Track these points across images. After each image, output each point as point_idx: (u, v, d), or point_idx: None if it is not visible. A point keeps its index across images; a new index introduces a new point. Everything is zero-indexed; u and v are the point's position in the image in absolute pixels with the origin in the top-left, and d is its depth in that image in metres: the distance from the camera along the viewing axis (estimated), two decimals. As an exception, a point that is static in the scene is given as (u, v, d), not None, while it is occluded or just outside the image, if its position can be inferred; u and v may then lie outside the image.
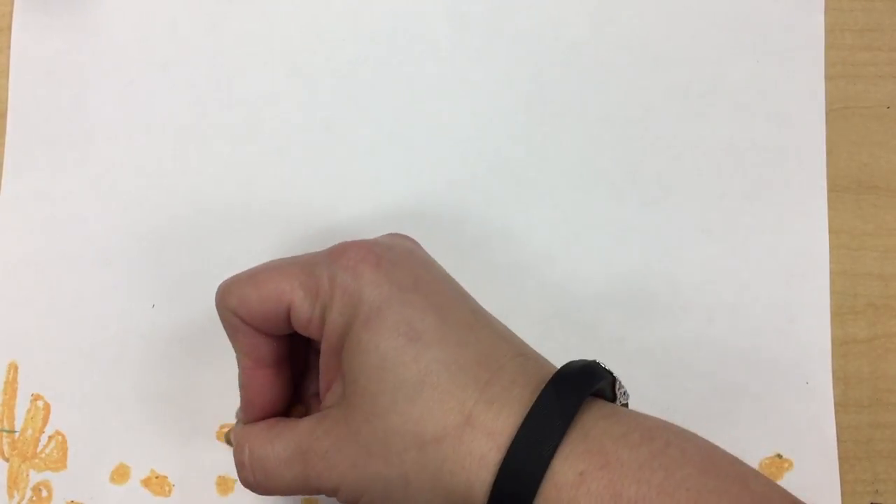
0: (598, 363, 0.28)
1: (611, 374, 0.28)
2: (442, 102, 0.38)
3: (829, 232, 0.37)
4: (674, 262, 0.37)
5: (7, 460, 0.36)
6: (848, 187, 0.37)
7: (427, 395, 0.26)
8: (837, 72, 0.38)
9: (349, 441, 0.27)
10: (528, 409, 0.25)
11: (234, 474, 0.36)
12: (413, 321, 0.27)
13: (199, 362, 0.37)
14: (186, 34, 0.38)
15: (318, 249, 0.37)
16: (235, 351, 0.31)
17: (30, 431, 0.37)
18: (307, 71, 0.38)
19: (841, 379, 0.36)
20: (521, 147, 0.38)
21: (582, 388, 0.26)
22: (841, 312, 0.36)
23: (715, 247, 0.37)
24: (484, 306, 0.37)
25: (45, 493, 0.36)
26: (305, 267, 0.29)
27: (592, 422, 0.26)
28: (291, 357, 0.31)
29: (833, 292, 0.37)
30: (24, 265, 0.37)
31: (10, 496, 0.36)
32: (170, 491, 0.36)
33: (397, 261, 0.29)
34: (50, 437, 0.37)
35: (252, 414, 0.31)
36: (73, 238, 0.37)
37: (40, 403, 0.37)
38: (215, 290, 0.37)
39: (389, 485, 0.26)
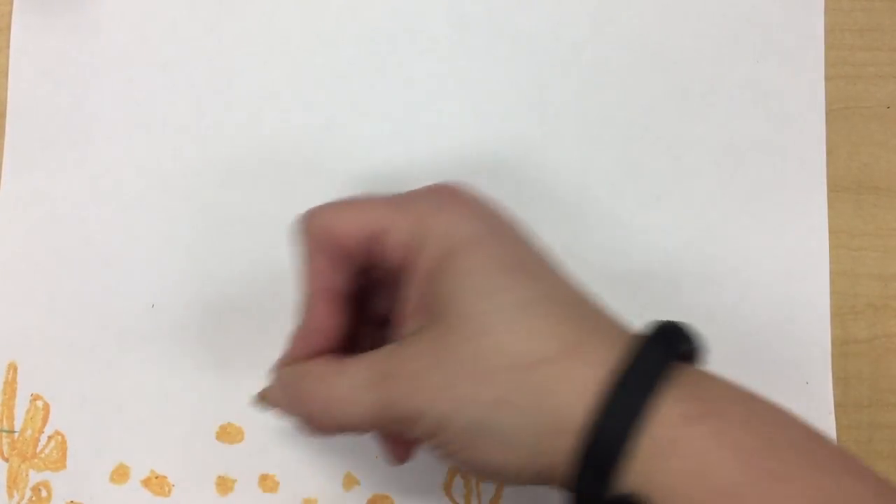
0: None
1: (699, 339, 0.28)
2: (442, 102, 0.38)
3: (829, 232, 0.37)
4: (674, 262, 0.37)
5: (7, 460, 0.36)
6: (848, 187, 0.37)
7: (529, 320, 0.26)
8: (837, 72, 0.38)
9: (441, 363, 0.26)
10: (629, 347, 0.26)
11: (233, 474, 0.36)
12: (514, 253, 0.28)
13: (199, 362, 0.37)
14: (186, 34, 0.38)
15: (318, 249, 0.37)
16: (306, 275, 0.30)
17: (29, 431, 0.37)
18: (307, 71, 0.38)
19: (841, 379, 0.36)
20: (521, 147, 0.38)
21: (682, 337, 0.27)
22: (841, 312, 0.36)
23: (715, 247, 0.37)
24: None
25: (44, 493, 0.36)
26: (402, 200, 0.29)
27: (691, 373, 0.26)
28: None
29: (833, 292, 0.37)
30: (24, 265, 0.37)
31: (10, 496, 0.36)
32: (170, 491, 0.36)
33: (488, 203, 0.29)
34: (49, 437, 0.37)
35: (311, 343, 0.30)
36: (73, 238, 0.37)
37: (40, 403, 0.37)
38: (215, 290, 0.37)
39: (479, 408, 0.26)
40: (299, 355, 0.30)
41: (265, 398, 0.32)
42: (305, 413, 0.29)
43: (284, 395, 0.30)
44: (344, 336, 0.30)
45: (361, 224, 0.29)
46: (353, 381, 0.27)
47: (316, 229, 0.29)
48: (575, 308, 0.27)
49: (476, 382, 0.26)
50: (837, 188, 0.37)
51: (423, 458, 0.36)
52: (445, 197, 0.29)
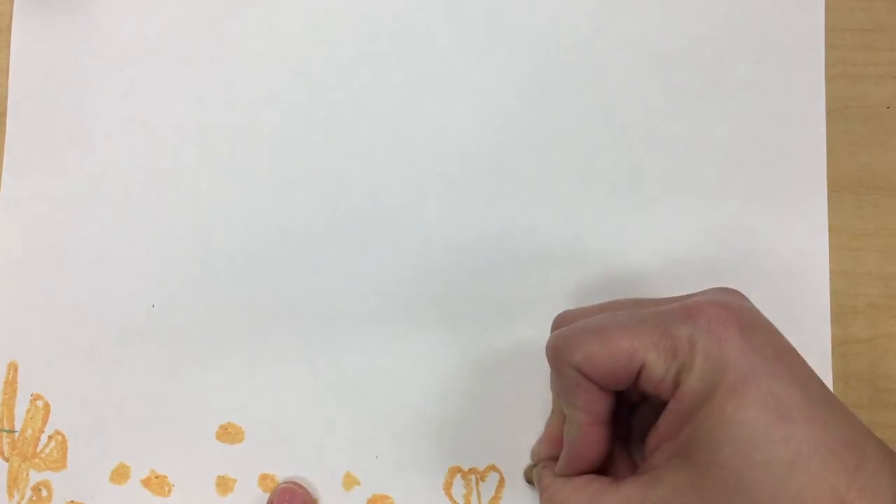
0: None
1: None
2: (442, 102, 0.38)
3: (829, 232, 0.37)
4: (674, 262, 0.37)
5: (7, 460, 0.37)
6: (848, 187, 0.37)
7: (798, 478, 0.25)
8: (838, 72, 0.38)
9: None
10: None
11: (233, 474, 0.36)
12: (781, 396, 0.26)
13: (199, 362, 0.37)
14: (187, 34, 0.38)
15: (318, 249, 0.37)
16: (568, 405, 0.30)
17: (30, 431, 0.37)
18: (307, 71, 0.38)
19: (841, 379, 0.36)
20: (522, 147, 0.38)
21: None
22: (841, 312, 0.36)
23: (715, 247, 0.37)
24: (484, 306, 0.37)
25: (45, 493, 0.36)
26: (658, 325, 0.28)
27: None
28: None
29: (833, 292, 0.37)
30: (24, 265, 0.37)
31: (10, 496, 0.36)
32: (170, 491, 0.36)
33: (755, 325, 0.28)
34: (50, 437, 0.37)
35: (575, 469, 0.31)
36: (74, 238, 0.37)
37: (40, 403, 0.37)
38: (215, 290, 0.37)
39: None
40: (566, 472, 0.31)
41: (530, 480, 0.35)
42: None
43: (541, 496, 0.32)
44: (603, 458, 0.31)
45: (613, 359, 0.28)
46: None
47: (566, 368, 0.29)
48: (845, 452, 0.26)
49: None
50: (837, 188, 0.37)
51: (423, 458, 0.36)
52: (710, 325, 0.27)
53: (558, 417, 0.34)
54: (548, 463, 0.33)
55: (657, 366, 0.28)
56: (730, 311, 0.28)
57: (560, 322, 0.33)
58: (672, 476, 0.27)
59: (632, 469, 0.32)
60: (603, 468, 0.31)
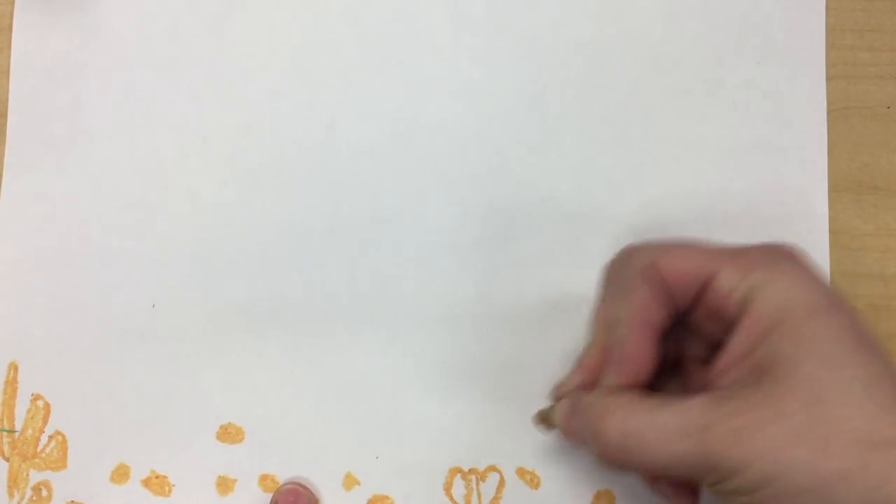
0: None
1: None
2: (442, 102, 0.38)
3: (830, 232, 0.37)
4: (674, 263, 0.37)
5: (7, 460, 0.37)
6: (848, 188, 0.37)
7: (881, 399, 0.26)
8: (838, 72, 0.38)
9: (776, 422, 0.26)
10: None
11: (234, 474, 0.36)
12: (859, 328, 0.27)
13: (199, 362, 0.37)
14: (187, 34, 0.38)
15: (318, 249, 0.37)
16: (620, 308, 0.30)
17: (30, 431, 0.37)
18: (308, 71, 0.38)
19: (841, 379, 0.36)
20: (522, 147, 0.38)
21: None
22: (841, 313, 0.36)
23: (715, 247, 0.37)
24: (484, 306, 0.37)
25: (45, 493, 0.36)
26: (734, 248, 0.29)
27: None
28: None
29: (833, 293, 0.37)
30: (24, 265, 0.37)
31: (11, 496, 0.36)
32: (170, 491, 0.36)
33: (820, 272, 0.29)
34: (50, 437, 0.37)
35: (621, 376, 0.30)
36: (73, 238, 0.38)
37: (40, 403, 0.37)
38: (215, 290, 0.37)
39: (816, 476, 0.25)
40: (590, 381, 0.31)
41: (547, 419, 0.33)
42: (601, 445, 0.29)
43: (579, 421, 0.30)
44: (650, 373, 0.31)
45: (693, 266, 0.29)
46: (669, 425, 0.27)
47: (645, 264, 0.29)
48: None
49: (816, 450, 0.25)
50: (838, 188, 0.37)
51: (423, 459, 0.36)
52: (782, 256, 0.28)
53: (595, 344, 0.32)
54: (578, 391, 0.32)
55: (730, 278, 0.28)
56: (802, 255, 0.29)
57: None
58: (744, 392, 0.27)
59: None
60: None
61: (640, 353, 0.30)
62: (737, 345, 0.28)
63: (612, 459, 0.29)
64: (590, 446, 0.30)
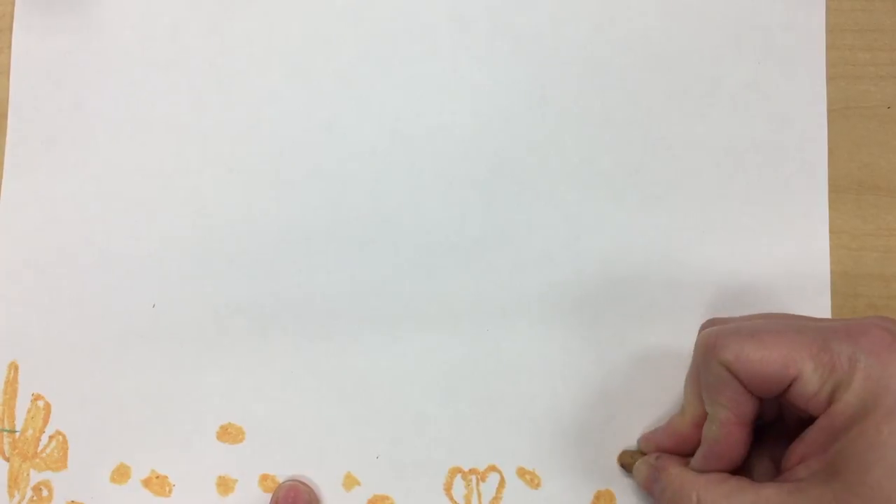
0: None
1: None
2: (442, 102, 0.38)
3: (830, 232, 0.37)
4: (674, 263, 0.37)
5: (7, 460, 0.37)
6: (848, 187, 0.37)
7: None
8: (838, 72, 0.38)
9: None
10: None
11: (234, 474, 0.36)
12: None
13: (199, 362, 0.37)
14: (187, 34, 0.38)
15: (318, 249, 0.37)
16: (713, 403, 0.31)
17: (30, 431, 0.37)
18: (307, 71, 0.38)
19: (841, 379, 0.36)
20: (522, 147, 0.38)
21: None
22: (841, 313, 0.36)
23: (715, 247, 0.37)
24: (484, 306, 0.37)
25: (45, 493, 0.36)
26: (817, 338, 0.28)
27: None
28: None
29: (833, 293, 0.37)
30: (24, 265, 0.37)
31: (11, 496, 0.36)
32: (170, 491, 0.36)
33: None
34: (50, 437, 0.37)
35: (712, 466, 0.31)
36: (73, 238, 0.38)
37: (41, 403, 0.37)
38: (215, 290, 0.37)
39: None
40: (703, 469, 0.31)
41: (629, 466, 0.35)
42: None
43: (660, 489, 0.32)
44: (741, 461, 0.31)
45: (766, 364, 0.28)
46: None
47: (716, 365, 0.30)
48: None
49: None
50: (838, 188, 0.37)
51: (423, 459, 0.36)
52: (874, 346, 0.28)
53: (689, 414, 0.33)
54: (665, 455, 0.34)
55: (812, 380, 0.28)
56: (894, 336, 0.28)
57: (707, 325, 0.33)
58: (816, 489, 0.27)
59: (768, 475, 0.32)
60: (738, 470, 0.31)
61: (733, 451, 0.31)
62: (814, 436, 0.28)
63: None
64: None
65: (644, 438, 0.35)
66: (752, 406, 0.30)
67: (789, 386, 0.29)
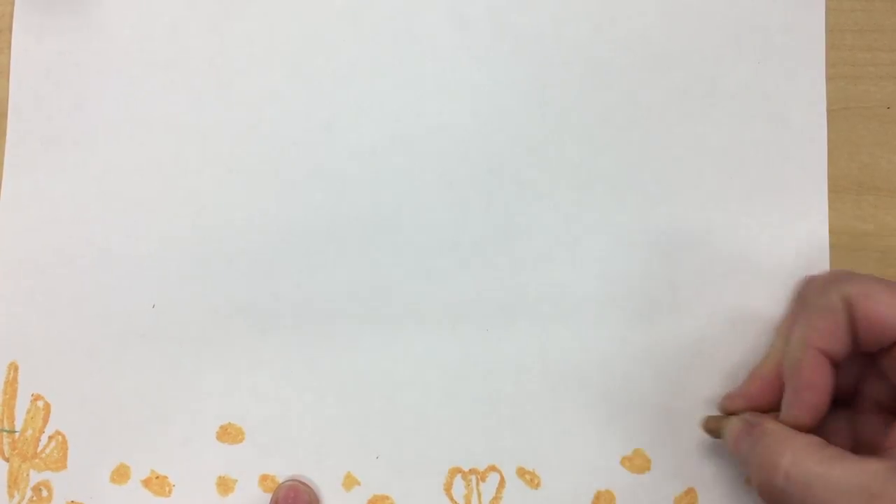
0: None
1: None
2: (442, 102, 0.38)
3: (830, 232, 0.37)
4: (674, 263, 0.37)
5: (7, 460, 0.37)
6: (848, 188, 0.37)
7: None
8: (838, 72, 0.38)
9: None
10: None
11: (234, 474, 0.36)
12: None
13: (199, 362, 0.37)
14: (187, 34, 0.38)
15: (318, 249, 0.37)
16: (805, 326, 0.29)
17: (30, 431, 0.37)
18: (307, 71, 0.38)
19: (841, 379, 0.36)
20: (522, 147, 0.38)
21: None
22: (841, 313, 0.36)
23: (715, 247, 0.37)
24: (485, 306, 0.37)
25: (45, 493, 0.36)
26: None
27: None
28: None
29: (833, 293, 0.37)
30: (25, 265, 0.37)
31: (11, 496, 0.36)
32: (170, 491, 0.36)
33: None
34: (50, 437, 0.37)
35: (797, 406, 0.29)
36: (73, 238, 0.38)
37: (40, 403, 0.37)
38: (215, 290, 0.37)
39: None
40: (760, 395, 0.31)
41: (714, 430, 0.33)
42: (764, 478, 0.29)
43: (750, 446, 0.30)
44: (824, 412, 0.30)
45: (890, 307, 0.28)
46: (840, 484, 0.27)
47: (837, 293, 0.29)
48: None
49: None
50: (838, 188, 0.37)
51: (423, 459, 0.36)
52: None
53: (773, 358, 0.32)
54: (755, 413, 0.32)
55: None
56: None
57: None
58: None
59: (851, 444, 0.31)
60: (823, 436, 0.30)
61: (814, 379, 0.29)
62: None
63: (768, 495, 0.28)
64: (749, 471, 0.29)
65: (727, 396, 0.34)
66: (842, 345, 0.29)
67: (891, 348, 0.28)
